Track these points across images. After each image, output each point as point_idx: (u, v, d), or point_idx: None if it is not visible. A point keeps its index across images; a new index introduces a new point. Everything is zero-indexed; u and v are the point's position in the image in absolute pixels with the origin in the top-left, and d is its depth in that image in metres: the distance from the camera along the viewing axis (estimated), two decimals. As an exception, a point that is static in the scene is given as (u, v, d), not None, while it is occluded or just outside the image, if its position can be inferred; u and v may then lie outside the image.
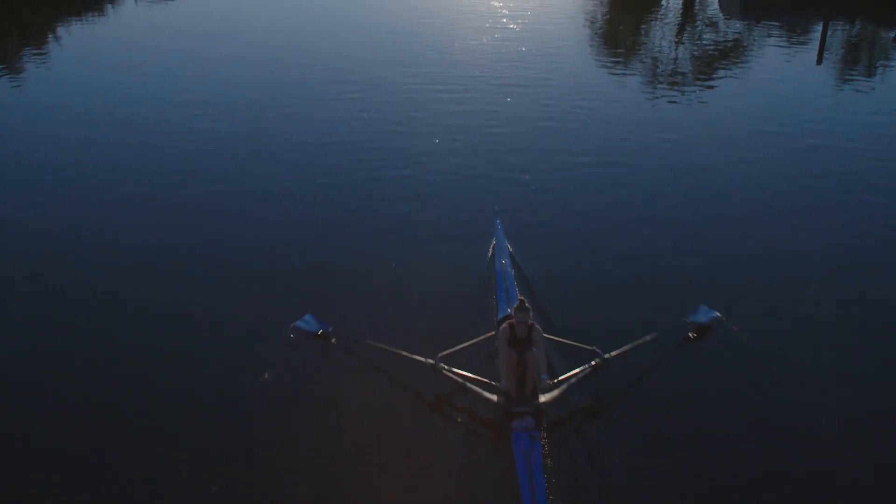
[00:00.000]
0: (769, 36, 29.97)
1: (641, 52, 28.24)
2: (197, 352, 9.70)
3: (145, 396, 8.87)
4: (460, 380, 8.71)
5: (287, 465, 7.80)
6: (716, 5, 38.95)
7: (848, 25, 31.92)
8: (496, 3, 35.29)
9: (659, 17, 35.54)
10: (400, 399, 8.77)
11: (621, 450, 7.93)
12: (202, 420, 8.43)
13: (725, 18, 34.77)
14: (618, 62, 26.32)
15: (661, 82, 23.38)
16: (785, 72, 24.35)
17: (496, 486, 7.52)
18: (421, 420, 8.48)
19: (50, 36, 29.71)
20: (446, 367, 8.76)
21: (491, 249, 11.72)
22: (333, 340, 9.70)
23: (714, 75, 24.20)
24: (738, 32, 31.28)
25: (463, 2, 35.89)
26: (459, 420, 8.47)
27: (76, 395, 8.97)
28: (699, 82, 23.39)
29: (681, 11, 36.92)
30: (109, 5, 36.93)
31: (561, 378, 8.60)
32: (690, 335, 9.79)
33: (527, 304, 8.51)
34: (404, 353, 8.99)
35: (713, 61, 26.15)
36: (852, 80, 23.77)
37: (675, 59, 26.59)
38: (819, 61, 25.49)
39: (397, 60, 24.96)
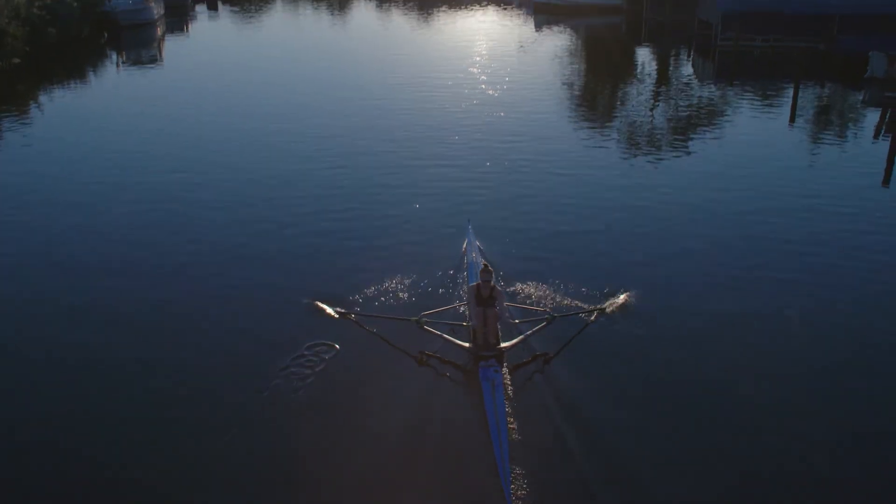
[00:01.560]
0: (743, 98, 30.67)
1: (618, 115, 28.73)
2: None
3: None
4: (438, 332, 11.23)
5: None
6: (690, 69, 39.92)
7: (818, 88, 32.73)
8: (474, 70, 35.88)
9: (636, 81, 36.27)
10: (392, 349, 11.31)
11: (561, 380, 10.55)
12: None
13: (700, 82, 35.55)
14: (594, 126, 26.74)
15: (637, 144, 23.74)
16: (760, 133, 24.86)
17: (468, 404, 10.06)
18: (409, 364, 10.95)
19: (32, 103, 29.81)
20: (427, 323, 11.33)
21: (464, 245, 14.51)
22: (351, 316, 12.07)
23: (690, 136, 24.60)
24: (713, 95, 31.96)
25: (441, 68, 36.47)
26: (439, 362, 10.93)
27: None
28: (675, 143, 23.75)
29: (656, 76, 37.74)
30: (92, 72, 37.24)
31: (519, 336, 11.14)
32: (609, 310, 12.25)
33: (490, 269, 11.09)
34: (395, 317, 11.66)
35: (689, 123, 26.62)
36: (824, 140, 24.26)
37: (652, 121, 27.05)
38: (791, 122, 26.01)
39: (376, 126, 25.19)
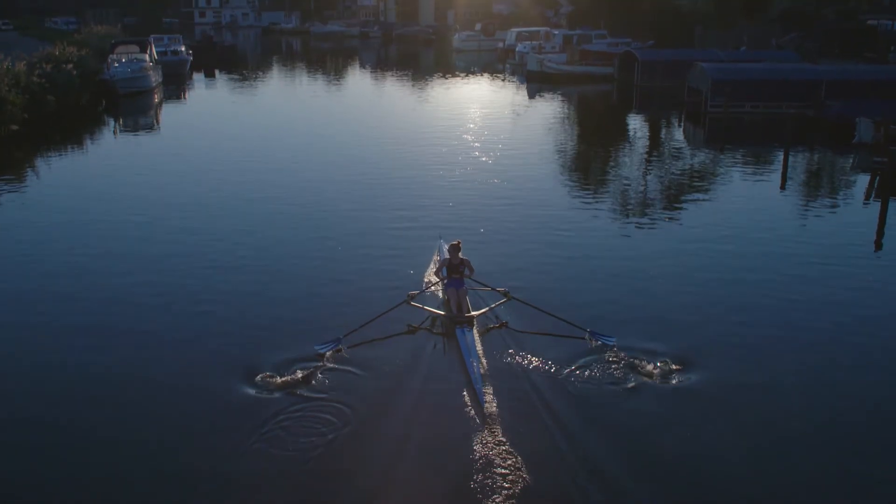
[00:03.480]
0: (734, 164, 31.03)
1: (610, 181, 29.01)
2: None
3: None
4: (422, 306, 14.48)
5: None
6: (681, 135, 40.49)
7: (807, 153, 33.17)
8: (468, 137, 36.26)
9: (627, 147, 36.73)
10: (390, 328, 14.12)
11: (518, 337, 13.88)
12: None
13: (691, 148, 36.02)
14: (587, 191, 27.02)
15: (628, 209, 23.93)
16: (752, 198, 25.07)
17: (449, 353, 13.48)
18: (403, 335, 14.07)
19: (30, 170, 29.99)
20: (414, 298, 14.41)
21: (435, 254, 17.63)
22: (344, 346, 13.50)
23: (682, 202, 24.80)
24: (705, 161, 32.34)
25: (435, 135, 36.87)
26: (426, 329, 14.31)
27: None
28: (666, 209, 23.94)
29: (648, 142, 38.24)
30: (89, 139, 37.56)
31: (485, 308, 14.70)
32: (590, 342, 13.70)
33: (459, 245, 14.35)
34: (387, 309, 14.07)
35: (681, 189, 26.86)
36: (816, 205, 24.47)
37: (644, 187, 27.30)
38: (783, 187, 26.27)
39: (368, 193, 25.38)
